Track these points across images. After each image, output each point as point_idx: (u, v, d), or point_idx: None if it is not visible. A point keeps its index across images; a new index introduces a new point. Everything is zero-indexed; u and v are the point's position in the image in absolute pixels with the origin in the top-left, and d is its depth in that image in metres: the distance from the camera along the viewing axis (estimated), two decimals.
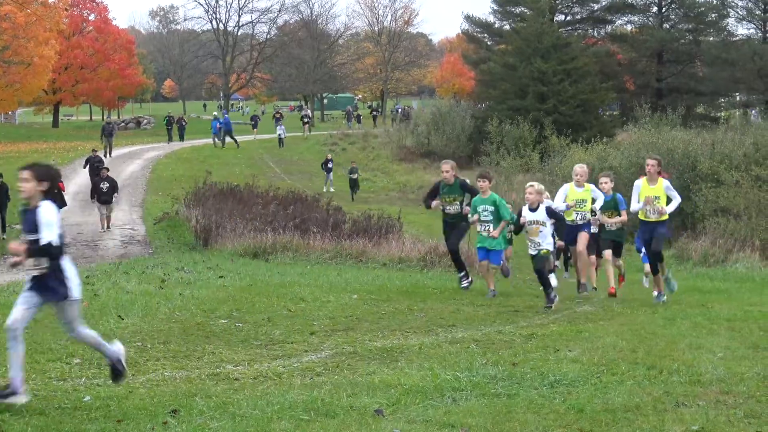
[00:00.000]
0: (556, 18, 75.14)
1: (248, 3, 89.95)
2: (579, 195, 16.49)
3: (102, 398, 7.45)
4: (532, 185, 14.65)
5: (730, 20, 76.77)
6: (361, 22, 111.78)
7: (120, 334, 10.80)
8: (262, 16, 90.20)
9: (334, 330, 11.56)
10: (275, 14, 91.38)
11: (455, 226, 16.68)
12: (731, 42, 74.07)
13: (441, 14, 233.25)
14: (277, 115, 75.59)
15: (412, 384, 7.94)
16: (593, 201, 16.60)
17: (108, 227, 29.25)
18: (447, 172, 16.41)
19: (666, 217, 14.90)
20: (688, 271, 24.95)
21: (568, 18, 79.01)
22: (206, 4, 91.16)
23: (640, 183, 14.92)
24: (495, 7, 78.93)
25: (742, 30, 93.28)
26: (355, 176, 47.02)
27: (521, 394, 7.62)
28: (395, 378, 8.22)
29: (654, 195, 14.76)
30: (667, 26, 76.50)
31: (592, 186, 16.84)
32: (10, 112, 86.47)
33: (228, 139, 60.76)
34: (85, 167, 36.55)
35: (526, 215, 14.37)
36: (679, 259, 26.94)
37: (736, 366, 8.71)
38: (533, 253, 14.45)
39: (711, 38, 76.04)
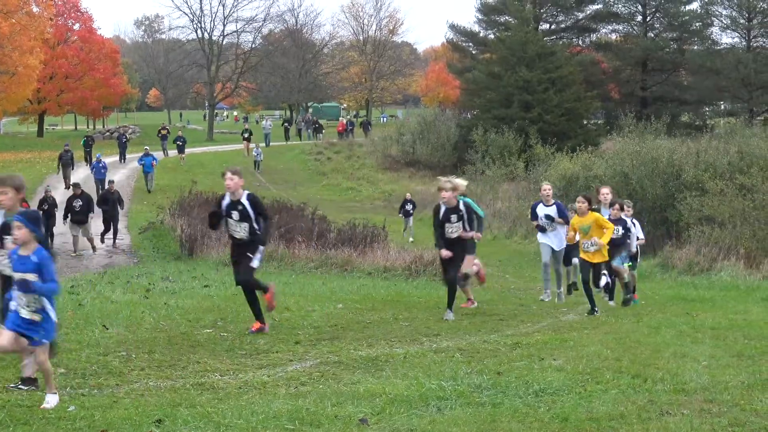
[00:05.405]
0: (540, 27, 75.41)
1: (233, 12, 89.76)
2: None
3: (86, 408, 7.43)
4: None
5: (714, 29, 77.22)
6: (346, 31, 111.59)
7: (105, 343, 10.78)
8: (247, 26, 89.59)
9: (319, 339, 11.56)
10: (260, 23, 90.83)
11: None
12: (715, 51, 74.43)
13: (426, 23, 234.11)
14: (164, 132, 63.67)
15: (397, 393, 7.94)
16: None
17: (94, 250, 27.20)
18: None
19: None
20: (673, 279, 25.01)
21: (553, 27, 79.26)
22: (191, 13, 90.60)
23: None
24: (480, 17, 79.45)
25: (726, 39, 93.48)
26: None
27: (506, 403, 7.62)
28: (380, 387, 8.22)
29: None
30: (652, 35, 76.82)
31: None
32: None
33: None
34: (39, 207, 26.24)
35: None
36: (664, 268, 26.98)
37: (721, 374, 8.73)
38: None
39: (695, 47, 76.43)
